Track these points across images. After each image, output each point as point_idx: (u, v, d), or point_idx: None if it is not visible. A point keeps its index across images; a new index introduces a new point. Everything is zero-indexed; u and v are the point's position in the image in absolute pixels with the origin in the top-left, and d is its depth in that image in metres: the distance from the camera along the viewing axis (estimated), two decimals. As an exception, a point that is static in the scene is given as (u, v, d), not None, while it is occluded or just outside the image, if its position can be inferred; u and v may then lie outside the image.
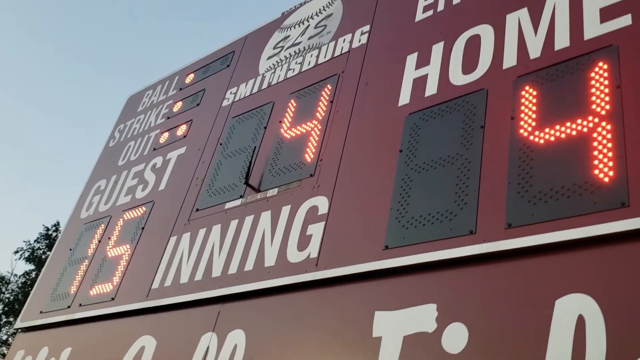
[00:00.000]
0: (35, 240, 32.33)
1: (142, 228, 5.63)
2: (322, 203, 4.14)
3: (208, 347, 4.04)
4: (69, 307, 5.66)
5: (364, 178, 4.01)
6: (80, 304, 5.55)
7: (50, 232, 32.42)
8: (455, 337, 2.88)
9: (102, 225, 6.26)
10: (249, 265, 4.23)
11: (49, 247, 31.09)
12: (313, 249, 3.90)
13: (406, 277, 3.33)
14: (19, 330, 6.33)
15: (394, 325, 3.16)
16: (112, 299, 5.23)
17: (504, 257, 2.96)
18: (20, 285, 32.35)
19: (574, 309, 2.57)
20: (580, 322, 2.52)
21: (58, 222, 32.61)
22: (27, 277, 32.07)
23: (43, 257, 31.04)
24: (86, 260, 6.00)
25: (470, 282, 3.04)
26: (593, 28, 3.34)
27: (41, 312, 5.99)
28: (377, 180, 3.90)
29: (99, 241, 6.08)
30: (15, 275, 32.90)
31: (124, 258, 5.53)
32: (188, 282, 4.61)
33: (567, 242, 2.75)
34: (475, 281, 3.02)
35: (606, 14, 3.33)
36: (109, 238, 5.96)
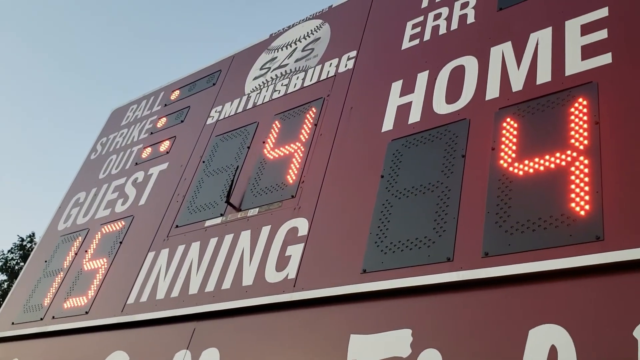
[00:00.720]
0: (9, 251, 31.83)
1: (120, 242, 5.59)
2: (302, 225, 4.15)
3: (181, 365, 4.01)
4: (41, 319, 5.58)
5: (345, 202, 4.04)
6: (53, 317, 5.47)
7: (24, 243, 31.95)
8: (430, 363, 2.90)
9: (80, 237, 6.20)
10: (227, 284, 4.22)
11: (23, 258, 30.62)
12: (291, 270, 3.91)
13: (383, 301, 3.35)
14: (-11, 341, 6.21)
15: (368, 349, 3.17)
16: (86, 312, 5.17)
17: (480, 285, 2.99)
18: (-10, 295, 31.74)
19: (547, 340, 2.60)
20: (553, 352, 2.55)
21: (33, 233, 32.18)
22: (-1, 287, 31.48)
23: (16, 267, 30.56)
24: (61, 273, 5.93)
25: (446, 308, 3.06)
26: (574, 65, 3.43)
27: (13, 323, 5.89)
28: (358, 205, 3.92)
29: (76, 254, 6.02)
30: (-14, 284, 32.30)
31: (100, 272, 5.47)
32: (164, 298, 4.58)
33: (542, 273, 2.79)
34: (451, 308, 3.04)
35: (587, 52, 3.43)
36: (86, 251, 5.91)
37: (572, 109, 3.24)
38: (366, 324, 3.31)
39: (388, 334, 3.17)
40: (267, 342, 3.70)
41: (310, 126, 4.86)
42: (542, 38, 3.76)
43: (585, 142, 3.07)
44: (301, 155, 4.68)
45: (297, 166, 4.62)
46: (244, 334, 3.87)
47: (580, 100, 3.25)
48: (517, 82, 3.66)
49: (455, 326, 2.95)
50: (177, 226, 5.17)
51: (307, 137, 4.79)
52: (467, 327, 2.91)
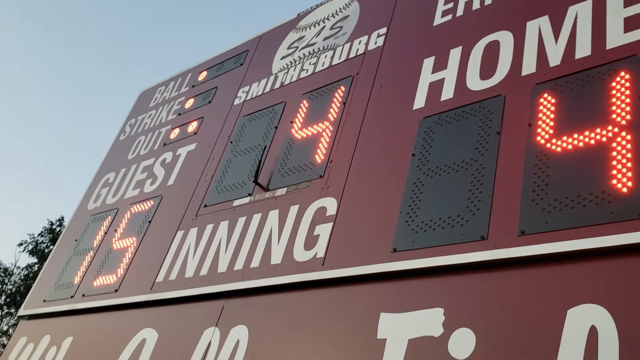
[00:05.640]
0: (39, 234, 32.50)
1: (149, 222, 5.61)
2: (330, 204, 4.10)
3: (210, 342, 4.00)
4: (72, 296, 5.64)
5: (375, 181, 3.97)
6: (83, 294, 5.52)
7: (54, 227, 32.57)
8: (462, 342, 2.83)
9: (109, 217, 6.24)
10: (255, 262, 4.20)
11: (53, 241, 31.26)
12: (320, 249, 3.86)
13: (414, 280, 3.29)
14: (22, 317, 6.32)
15: (399, 328, 3.12)
16: (116, 290, 5.20)
17: (516, 264, 2.91)
18: (22, 277, 32.48)
19: (587, 320, 2.52)
20: (593, 333, 2.47)
21: (62, 217, 32.81)
22: (30, 269, 32.20)
23: (46, 250, 31.19)
24: (91, 251, 5.98)
25: (479, 288, 2.99)
26: (616, 37, 3.30)
27: (44, 300, 5.97)
28: (388, 183, 3.86)
29: (105, 233, 6.06)
30: (19, 267, 33.06)
31: (129, 250, 5.50)
32: (193, 276, 4.58)
33: (581, 252, 2.70)
34: (485, 287, 2.97)
35: (630, 24, 3.29)
36: (115, 230, 5.94)
37: (614, 83, 3.12)
38: (396, 302, 3.25)
39: (419, 313, 3.11)
40: (296, 320, 3.68)
41: (338, 105, 4.78)
42: (581, 11, 3.62)
43: (628, 117, 2.95)
44: (329, 134, 4.62)
45: (326, 146, 4.56)
46: (272, 312, 3.85)
47: (622, 74, 3.12)
48: (555, 57, 3.54)
49: (489, 306, 2.88)
50: (205, 206, 5.16)
51: (335, 116, 4.72)
52: (502, 307, 2.83)
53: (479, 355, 2.75)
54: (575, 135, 3.08)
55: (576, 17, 3.60)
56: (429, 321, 3.03)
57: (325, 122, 4.75)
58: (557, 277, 2.74)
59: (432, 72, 4.21)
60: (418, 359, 2.94)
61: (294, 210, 4.32)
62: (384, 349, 3.09)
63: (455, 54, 4.17)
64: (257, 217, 4.55)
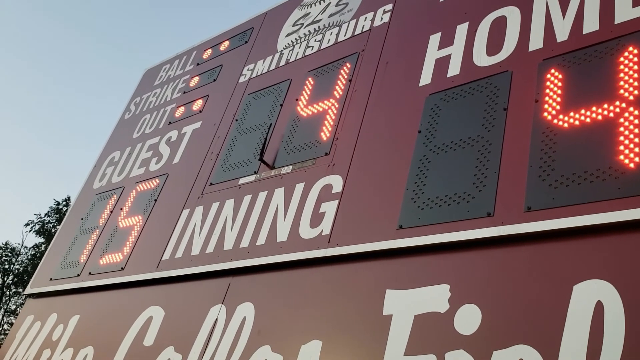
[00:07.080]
0: (45, 214, 32.69)
1: (155, 200, 5.62)
2: (336, 182, 4.10)
3: (216, 319, 4.03)
4: (78, 275, 5.68)
5: (380, 158, 3.96)
6: (90, 273, 5.56)
7: (60, 207, 32.74)
8: (468, 318, 2.84)
9: (115, 196, 6.26)
10: (261, 240, 4.21)
11: (59, 221, 31.43)
12: (326, 226, 3.87)
13: (420, 257, 3.29)
14: (29, 296, 6.37)
15: (405, 304, 3.13)
16: (122, 268, 5.23)
17: (522, 240, 2.90)
18: (29, 257, 32.73)
19: (593, 295, 2.52)
20: (599, 308, 2.47)
21: (69, 197, 32.98)
22: (37, 249, 32.44)
23: (53, 230, 31.38)
24: (97, 230, 6.01)
25: (486, 264, 2.99)
26: (625, 12, 3.26)
27: (51, 279, 6.01)
28: (394, 161, 3.84)
29: (111, 212, 6.08)
30: (26, 247, 33.32)
31: (135, 229, 5.52)
32: (199, 254, 4.60)
33: (588, 227, 2.69)
34: (491, 264, 2.97)
35: (639, -2, 3.25)
36: (121, 209, 5.96)
37: (622, 59, 3.09)
38: (402, 279, 3.26)
39: (425, 290, 3.12)
40: (302, 297, 3.69)
41: (344, 82, 4.76)
42: (589, -15, 3.57)
43: (636, 92, 2.92)
44: (335, 112, 4.60)
45: (331, 123, 4.54)
46: (278, 289, 3.87)
47: (631, 49, 3.08)
48: (562, 33, 3.50)
49: (495, 282, 2.88)
50: (211, 184, 5.16)
51: (341, 93, 4.70)
52: (509, 283, 2.83)
53: (485, 331, 2.76)
54: (583, 111, 3.06)
55: (584, -8, 3.56)
56: (434, 297, 3.04)
57: (331, 100, 4.73)
58: (564, 252, 2.74)
59: (439, 49, 4.18)
60: (424, 335, 2.95)
61: (299, 188, 4.31)
62: (390, 325, 3.10)
63: (461, 29, 4.13)
64: (262, 195, 4.56)
